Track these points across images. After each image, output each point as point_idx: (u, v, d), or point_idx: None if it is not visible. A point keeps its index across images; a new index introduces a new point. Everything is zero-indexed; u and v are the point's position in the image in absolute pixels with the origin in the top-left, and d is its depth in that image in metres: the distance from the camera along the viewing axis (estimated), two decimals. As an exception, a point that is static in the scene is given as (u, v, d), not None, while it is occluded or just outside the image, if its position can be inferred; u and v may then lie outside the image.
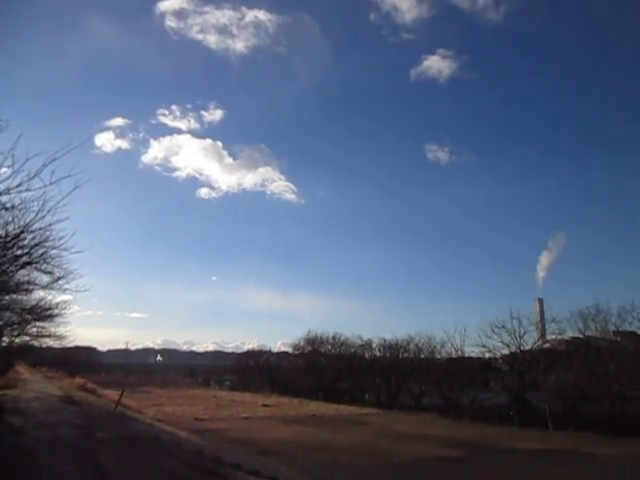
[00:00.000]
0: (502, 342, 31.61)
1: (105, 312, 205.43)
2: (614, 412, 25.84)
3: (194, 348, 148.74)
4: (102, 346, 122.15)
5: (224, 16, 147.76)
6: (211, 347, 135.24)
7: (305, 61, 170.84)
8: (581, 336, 30.82)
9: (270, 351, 71.74)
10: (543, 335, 34.60)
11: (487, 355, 35.57)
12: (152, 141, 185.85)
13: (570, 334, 32.28)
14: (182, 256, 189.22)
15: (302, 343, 55.99)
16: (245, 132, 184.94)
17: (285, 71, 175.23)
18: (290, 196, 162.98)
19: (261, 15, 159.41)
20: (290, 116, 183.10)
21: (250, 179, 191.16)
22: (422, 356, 42.53)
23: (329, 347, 53.25)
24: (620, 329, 29.53)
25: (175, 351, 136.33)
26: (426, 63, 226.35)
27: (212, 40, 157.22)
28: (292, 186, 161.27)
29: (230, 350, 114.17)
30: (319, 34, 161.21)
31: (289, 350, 62.26)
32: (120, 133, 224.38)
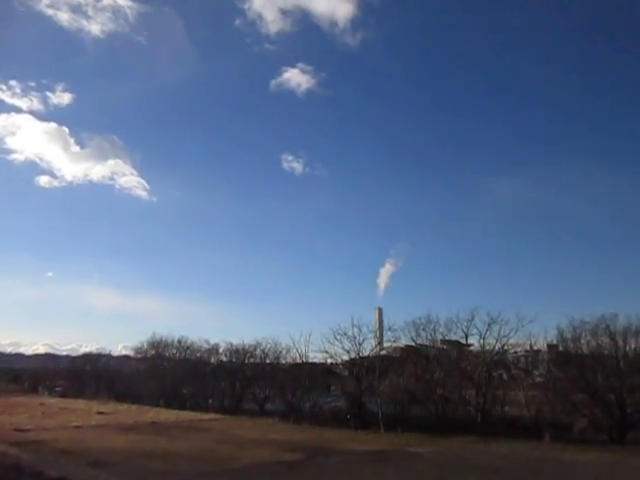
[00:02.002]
0: (343, 348, 33.02)
1: None
2: (437, 414, 28.31)
3: (21, 350, 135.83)
4: None
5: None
6: (42, 349, 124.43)
7: (166, 55, 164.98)
8: (413, 344, 33.29)
9: (110, 354, 67.94)
10: (380, 342, 36.73)
11: (329, 361, 36.94)
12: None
13: (404, 342, 34.66)
14: (13, 248, 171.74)
15: (145, 347, 53.63)
16: (96, 120, 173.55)
17: (144, 62, 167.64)
18: (141, 192, 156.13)
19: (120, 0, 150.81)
20: (147, 109, 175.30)
21: (98, 171, 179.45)
22: (268, 361, 43.00)
23: (174, 351, 51.56)
24: (446, 338, 32.42)
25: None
26: (286, 75, 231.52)
27: (64, 18, 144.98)
28: (144, 182, 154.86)
29: (65, 353, 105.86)
30: (183, 30, 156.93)
31: (131, 354, 59.38)
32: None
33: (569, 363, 27.81)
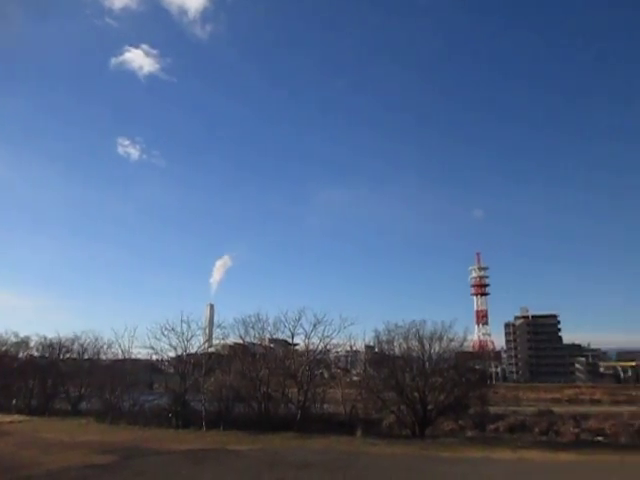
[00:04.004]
0: (170, 344, 32.05)
1: None
2: (260, 412, 28.91)
3: None
4: None
5: None
6: None
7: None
8: (242, 342, 33.56)
9: None
10: (209, 339, 36.48)
11: (154, 357, 35.67)
12: None
13: (233, 339, 34.77)
14: None
15: (-64, 340, 46.72)
16: None
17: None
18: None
19: None
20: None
21: None
22: (86, 357, 40.25)
23: (-27, 345, 45.71)
24: (274, 337, 33.26)
25: None
26: (128, 55, 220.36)
27: None
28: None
29: None
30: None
31: None
32: None
33: (383, 363, 30.27)
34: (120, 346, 36.16)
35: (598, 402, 62.87)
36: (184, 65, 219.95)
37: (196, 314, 33.83)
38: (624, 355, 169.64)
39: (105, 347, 39.54)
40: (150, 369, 39.54)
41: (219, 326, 33.63)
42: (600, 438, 32.02)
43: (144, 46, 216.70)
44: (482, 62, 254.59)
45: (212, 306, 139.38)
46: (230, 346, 36.39)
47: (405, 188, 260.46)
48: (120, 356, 36.85)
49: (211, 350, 36.23)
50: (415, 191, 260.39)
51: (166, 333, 31.52)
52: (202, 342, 34.45)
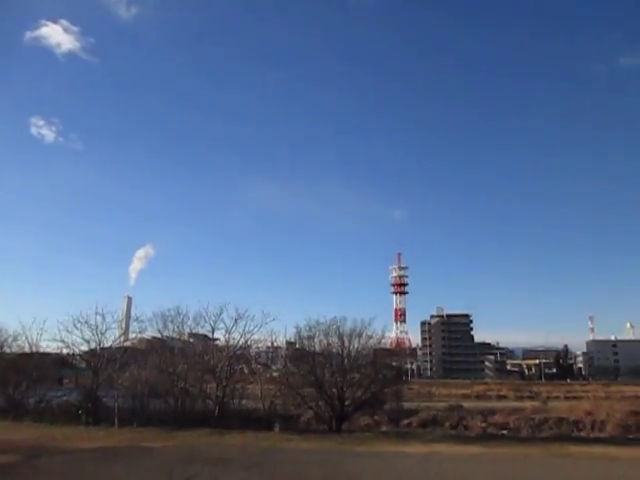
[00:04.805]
0: (83, 338, 30.60)
1: None
2: (177, 408, 28.30)
3: None
4: None
5: None
6: None
7: None
8: (160, 336, 32.68)
9: None
10: (126, 333, 35.29)
11: (65, 351, 33.92)
12: None
13: (151, 333, 33.78)
14: None
15: None
16: None
17: None
18: None
19: None
20: None
21: None
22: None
23: None
24: (194, 331, 32.62)
25: None
26: (45, 30, 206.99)
27: None
28: None
29: None
30: None
31: None
32: None
33: (303, 359, 30.49)
34: (27, 339, 34.05)
35: (504, 398, 66.42)
36: (107, 46, 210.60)
37: (112, 306, 32.42)
38: (529, 354, 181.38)
39: (10, 340, 37.06)
40: (60, 364, 37.56)
41: (136, 319, 32.48)
42: (505, 432, 33.96)
43: (63, 22, 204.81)
44: (406, 60, 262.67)
45: (129, 298, 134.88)
46: (147, 340, 35.30)
47: (328, 186, 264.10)
48: (27, 349, 34.67)
49: (127, 344, 35.07)
50: (337, 189, 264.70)
51: (79, 326, 29.99)
52: (117, 336, 33.28)
